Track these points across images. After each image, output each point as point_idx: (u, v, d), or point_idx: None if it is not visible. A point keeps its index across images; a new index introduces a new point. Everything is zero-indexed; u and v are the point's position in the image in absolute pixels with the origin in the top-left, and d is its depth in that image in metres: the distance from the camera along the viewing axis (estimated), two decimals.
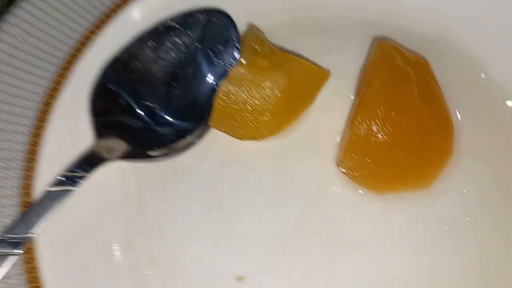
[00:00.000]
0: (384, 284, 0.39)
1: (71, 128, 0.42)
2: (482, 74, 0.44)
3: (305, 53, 0.45)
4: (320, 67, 0.44)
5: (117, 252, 0.41)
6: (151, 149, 0.42)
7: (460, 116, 0.43)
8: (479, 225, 0.40)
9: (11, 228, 0.38)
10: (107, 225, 0.41)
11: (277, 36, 0.46)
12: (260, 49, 0.43)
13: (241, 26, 0.45)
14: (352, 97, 0.44)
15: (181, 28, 0.44)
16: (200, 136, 0.43)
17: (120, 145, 0.41)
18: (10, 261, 0.37)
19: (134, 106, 0.43)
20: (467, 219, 0.40)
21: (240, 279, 0.40)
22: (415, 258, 0.40)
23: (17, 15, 0.43)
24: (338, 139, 0.43)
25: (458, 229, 0.40)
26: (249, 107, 0.41)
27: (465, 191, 0.41)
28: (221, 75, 0.43)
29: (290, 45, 0.46)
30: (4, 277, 0.38)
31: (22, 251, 0.38)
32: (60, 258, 0.39)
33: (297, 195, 0.42)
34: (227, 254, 0.40)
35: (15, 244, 0.37)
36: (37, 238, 0.39)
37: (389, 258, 0.40)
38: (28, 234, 0.38)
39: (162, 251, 0.41)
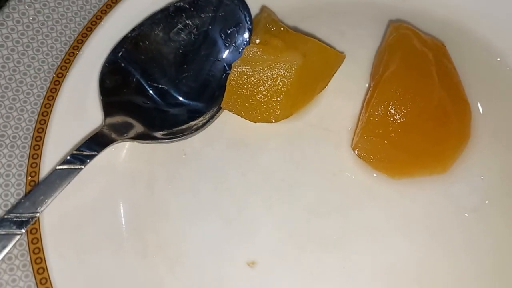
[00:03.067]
0: (399, 271, 0.38)
1: (80, 107, 0.41)
2: (497, 58, 0.44)
3: (318, 37, 0.44)
4: (335, 49, 0.43)
5: (124, 235, 0.39)
6: (161, 130, 0.41)
7: (477, 100, 0.42)
8: (498, 211, 0.39)
9: (16, 207, 0.36)
10: (115, 207, 0.40)
11: (290, 20, 0.45)
12: (274, 29, 0.42)
13: (254, 9, 0.44)
14: (367, 81, 0.43)
15: (192, 9, 0.43)
16: (212, 118, 0.42)
17: (129, 126, 0.40)
18: (14, 241, 0.36)
19: (145, 86, 0.42)
20: (486, 203, 0.39)
21: (251, 264, 0.38)
22: (431, 245, 0.39)
23: None
24: (352, 122, 0.42)
25: (476, 215, 0.39)
26: (262, 88, 0.40)
27: (483, 177, 0.40)
28: (233, 57, 0.42)
29: (303, 29, 0.45)
30: (8, 258, 0.36)
31: (26, 231, 0.36)
32: (66, 239, 0.38)
33: (310, 179, 0.41)
34: (237, 238, 0.39)
35: (20, 224, 0.36)
36: (42, 218, 0.38)
37: (404, 245, 0.39)
38: (34, 214, 0.36)
39: (170, 235, 0.39)
